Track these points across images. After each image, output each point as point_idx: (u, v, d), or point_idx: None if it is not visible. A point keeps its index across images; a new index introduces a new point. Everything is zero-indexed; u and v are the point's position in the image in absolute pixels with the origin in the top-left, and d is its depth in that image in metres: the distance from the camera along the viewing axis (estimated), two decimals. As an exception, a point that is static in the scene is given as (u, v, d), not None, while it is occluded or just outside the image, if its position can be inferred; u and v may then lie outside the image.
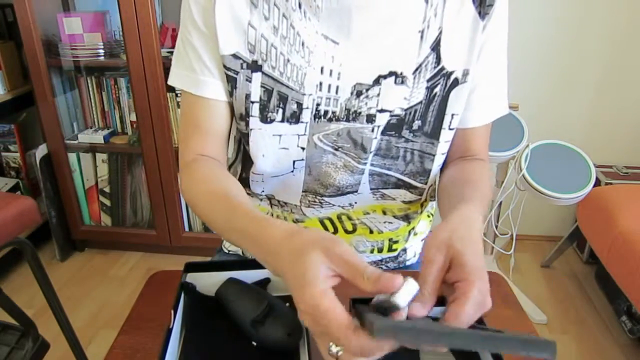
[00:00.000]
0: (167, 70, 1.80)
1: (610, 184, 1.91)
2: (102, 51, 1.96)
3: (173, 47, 0.73)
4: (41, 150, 2.01)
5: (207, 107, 0.71)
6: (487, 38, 0.68)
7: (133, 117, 2.05)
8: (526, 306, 1.83)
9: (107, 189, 2.17)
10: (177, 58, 0.72)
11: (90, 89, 2.06)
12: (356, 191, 0.76)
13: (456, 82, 0.69)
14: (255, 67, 0.68)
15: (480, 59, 0.69)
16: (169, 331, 0.54)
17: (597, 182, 1.90)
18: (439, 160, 0.74)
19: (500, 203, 1.90)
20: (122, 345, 0.61)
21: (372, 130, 0.70)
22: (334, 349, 0.44)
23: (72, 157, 2.08)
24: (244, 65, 0.68)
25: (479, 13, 0.66)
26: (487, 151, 0.79)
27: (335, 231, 0.80)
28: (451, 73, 0.68)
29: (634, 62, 1.98)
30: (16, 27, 1.84)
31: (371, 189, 0.76)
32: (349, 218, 0.79)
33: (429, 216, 0.90)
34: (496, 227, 1.95)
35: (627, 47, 1.96)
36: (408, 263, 0.89)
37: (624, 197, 1.69)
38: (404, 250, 0.86)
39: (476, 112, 0.73)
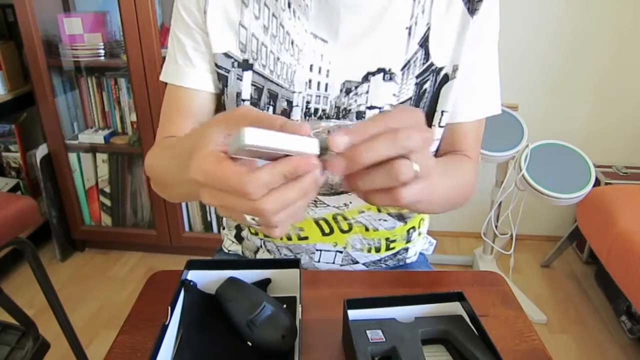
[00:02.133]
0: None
1: (610, 184, 1.91)
2: (102, 51, 1.96)
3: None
4: (41, 150, 2.02)
5: (186, 95, 0.73)
6: (477, 33, 0.68)
7: (133, 117, 2.05)
8: (526, 306, 1.83)
9: (107, 189, 2.17)
10: (167, 55, 0.75)
11: (91, 89, 2.06)
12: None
13: (446, 78, 0.69)
14: (246, 65, 0.69)
15: (470, 53, 0.69)
16: (165, 327, 0.54)
17: (597, 182, 1.90)
18: None
19: (500, 203, 1.90)
20: (122, 345, 0.61)
21: None
22: (249, 217, 0.40)
23: (72, 157, 2.08)
24: (235, 64, 0.70)
25: (468, 9, 0.67)
26: (477, 151, 0.78)
27: (332, 231, 0.80)
28: (441, 69, 0.69)
29: (633, 62, 1.98)
30: (17, 27, 1.85)
31: None
32: (345, 218, 0.79)
33: (429, 215, 0.90)
34: (496, 227, 1.95)
35: (627, 48, 1.96)
36: (408, 261, 0.89)
37: (623, 197, 1.69)
38: (405, 249, 0.87)
39: (465, 107, 0.72)
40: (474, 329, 0.58)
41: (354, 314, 0.59)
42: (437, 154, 0.79)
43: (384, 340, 0.56)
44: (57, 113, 1.99)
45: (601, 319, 1.83)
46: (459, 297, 0.62)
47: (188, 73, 0.72)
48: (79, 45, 1.95)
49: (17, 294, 1.69)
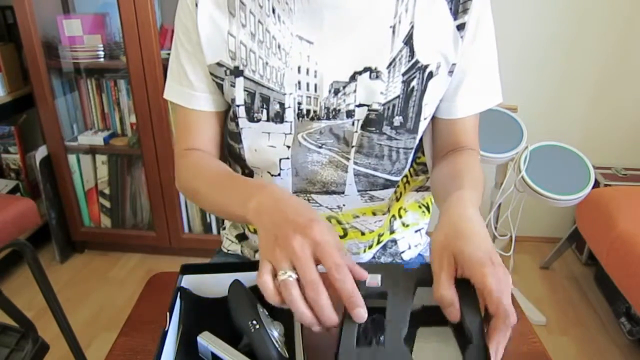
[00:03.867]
0: (166, 72, 1.81)
1: (609, 185, 1.91)
2: (102, 53, 1.96)
3: (172, 49, 0.79)
4: (41, 152, 2.02)
5: (192, 115, 0.77)
6: (468, 34, 0.69)
7: (133, 119, 2.05)
8: (525, 308, 1.83)
9: (106, 191, 2.17)
10: (169, 72, 0.79)
11: (90, 90, 2.07)
12: (343, 192, 0.77)
13: (431, 75, 0.71)
14: (237, 72, 0.71)
15: (464, 54, 0.70)
16: (165, 334, 0.54)
17: (596, 184, 1.90)
18: (413, 150, 0.77)
19: (500, 204, 1.90)
20: (122, 346, 0.61)
21: (353, 124, 0.72)
22: (284, 275, 0.48)
23: (71, 158, 2.08)
24: (228, 72, 0.72)
25: (451, 9, 0.68)
26: (477, 141, 0.80)
27: None
28: (426, 66, 0.70)
29: (633, 63, 1.98)
30: (16, 29, 1.85)
31: (358, 190, 0.77)
32: (339, 222, 0.79)
33: (420, 207, 0.89)
34: (495, 228, 1.95)
35: (625, 49, 1.96)
36: (406, 257, 0.89)
37: (622, 198, 1.69)
38: (394, 241, 0.87)
39: (464, 103, 0.75)
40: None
41: None
42: (439, 151, 0.80)
43: (379, 285, 0.54)
44: (56, 115, 1.99)
45: (600, 321, 1.83)
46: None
47: (190, 95, 0.76)
48: (78, 47, 1.95)
49: (16, 296, 1.69)
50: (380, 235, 0.84)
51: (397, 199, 0.84)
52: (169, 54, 0.79)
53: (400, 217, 0.86)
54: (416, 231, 0.90)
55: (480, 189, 0.69)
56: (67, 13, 2.03)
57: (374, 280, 0.55)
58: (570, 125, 2.09)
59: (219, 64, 0.72)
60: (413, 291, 0.54)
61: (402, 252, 0.88)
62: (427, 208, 0.90)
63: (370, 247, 0.84)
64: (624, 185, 1.91)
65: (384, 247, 0.86)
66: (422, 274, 0.55)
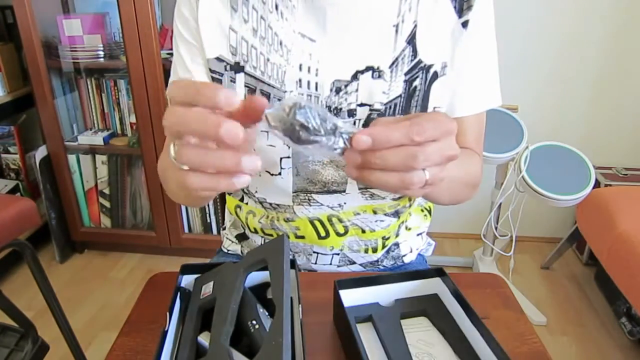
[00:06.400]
0: (166, 72, 1.81)
1: (610, 185, 1.91)
2: (101, 53, 1.96)
3: (172, 48, 0.78)
4: (41, 152, 2.02)
5: None
6: (471, 31, 0.69)
7: (133, 119, 2.05)
8: (526, 308, 1.83)
9: (106, 191, 2.17)
10: (172, 70, 0.78)
11: (90, 90, 2.07)
12: (344, 191, 0.76)
13: (436, 76, 0.70)
14: (237, 68, 0.71)
15: (465, 51, 0.70)
16: (164, 333, 0.54)
17: (597, 184, 1.90)
18: None
19: (500, 204, 1.90)
20: (122, 347, 0.61)
21: (354, 124, 0.71)
22: (172, 150, 0.42)
23: (71, 158, 2.08)
24: (228, 67, 0.71)
25: (455, 8, 0.68)
26: (481, 148, 0.79)
27: (327, 234, 0.80)
28: (430, 66, 0.70)
29: (633, 63, 1.98)
30: (16, 29, 1.85)
31: (359, 188, 0.77)
32: (340, 220, 0.79)
33: (422, 210, 0.90)
34: (496, 228, 1.95)
35: (626, 49, 1.96)
36: (406, 260, 0.89)
37: (623, 198, 1.69)
38: (396, 244, 0.87)
39: (464, 102, 0.74)
40: (455, 304, 0.61)
41: (344, 298, 0.60)
42: None
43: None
44: (56, 114, 1.99)
45: (601, 321, 1.83)
46: (438, 273, 0.63)
47: None
48: (78, 47, 1.95)
49: (16, 296, 1.69)
50: (385, 239, 0.83)
51: (410, 205, 0.84)
52: (169, 54, 0.79)
53: (406, 220, 0.86)
54: (418, 234, 0.90)
55: (468, 175, 0.71)
56: (67, 13, 2.03)
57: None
58: (571, 125, 2.09)
59: (218, 59, 0.71)
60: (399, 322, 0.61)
61: (404, 255, 0.88)
62: (429, 212, 0.91)
63: (375, 250, 0.83)
64: (625, 185, 1.91)
65: (387, 251, 0.86)
66: (402, 309, 0.63)
